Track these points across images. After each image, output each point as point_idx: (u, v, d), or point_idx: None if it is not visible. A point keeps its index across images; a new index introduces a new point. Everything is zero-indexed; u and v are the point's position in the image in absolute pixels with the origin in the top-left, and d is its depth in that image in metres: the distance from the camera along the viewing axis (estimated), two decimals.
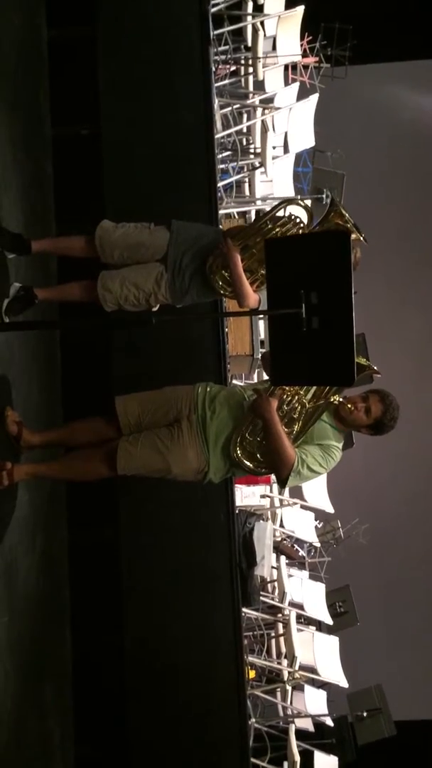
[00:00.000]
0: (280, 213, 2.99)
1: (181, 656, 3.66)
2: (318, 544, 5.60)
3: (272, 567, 4.71)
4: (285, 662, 4.71)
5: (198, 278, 3.08)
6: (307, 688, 4.83)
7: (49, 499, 3.50)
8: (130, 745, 3.64)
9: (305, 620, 5.12)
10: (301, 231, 2.94)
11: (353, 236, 2.78)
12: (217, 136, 4.24)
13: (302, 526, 5.27)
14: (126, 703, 3.64)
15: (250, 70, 5.16)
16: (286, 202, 3.04)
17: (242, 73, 5.30)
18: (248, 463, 2.75)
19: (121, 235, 3.10)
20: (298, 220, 2.95)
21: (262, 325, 4.55)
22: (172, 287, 3.08)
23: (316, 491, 5.19)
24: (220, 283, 3.05)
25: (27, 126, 3.62)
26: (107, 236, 3.10)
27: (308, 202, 3.11)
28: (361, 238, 2.82)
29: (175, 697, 3.65)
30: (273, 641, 4.96)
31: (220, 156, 4.64)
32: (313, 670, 4.76)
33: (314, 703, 4.80)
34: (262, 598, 4.45)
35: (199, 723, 3.65)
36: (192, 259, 3.06)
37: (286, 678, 4.64)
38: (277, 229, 2.95)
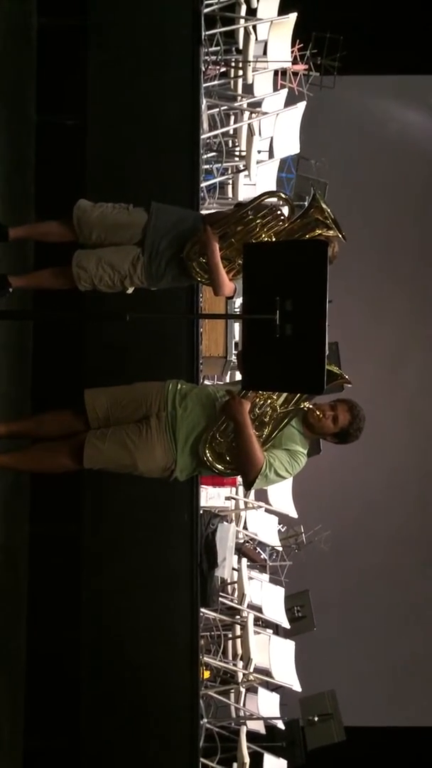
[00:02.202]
0: (263, 203, 2.99)
1: (136, 653, 3.66)
2: (280, 548, 5.62)
3: (233, 569, 4.72)
4: (240, 664, 4.72)
5: (175, 263, 3.06)
6: (261, 690, 4.86)
7: (12, 490, 3.47)
8: (81, 740, 3.62)
9: (263, 623, 5.15)
10: (281, 223, 2.94)
11: (331, 233, 2.80)
12: (202, 137, 4.24)
13: (265, 529, 5.29)
14: (79, 698, 3.63)
15: (240, 72, 5.17)
16: (269, 193, 3.04)
17: (232, 75, 5.31)
18: (217, 465, 2.76)
19: (99, 215, 3.08)
20: (279, 213, 2.96)
21: (237, 328, 4.56)
22: (148, 270, 3.06)
23: (281, 495, 5.22)
24: (197, 269, 3.04)
25: (11, 113, 3.59)
26: (85, 216, 3.08)
27: (289, 197, 3.11)
28: (340, 236, 2.84)
29: (128, 694, 3.65)
30: (230, 642, 4.98)
31: (204, 156, 4.64)
32: (267, 673, 4.79)
33: (267, 705, 4.83)
34: (221, 599, 4.46)
35: (151, 720, 3.65)
36: (170, 244, 3.04)
37: (240, 680, 4.66)
38: (258, 220, 2.95)
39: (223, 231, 2.96)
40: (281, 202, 2.99)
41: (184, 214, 3.17)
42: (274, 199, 3.00)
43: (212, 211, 4.82)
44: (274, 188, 5.30)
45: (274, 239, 2.93)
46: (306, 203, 2.96)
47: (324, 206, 2.82)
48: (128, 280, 3.09)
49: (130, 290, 3.17)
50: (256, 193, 5.20)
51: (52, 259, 3.28)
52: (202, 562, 3.83)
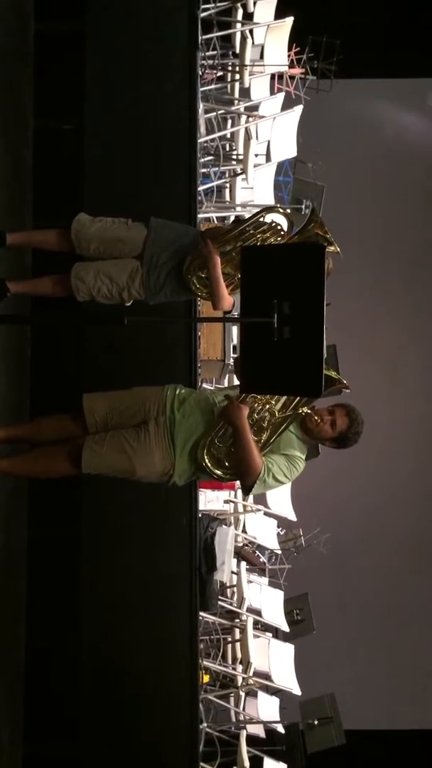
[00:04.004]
0: (262, 219, 3.01)
1: (136, 658, 3.65)
2: (279, 551, 5.62)
3: (232, 572, 4.72)
4: (240, 668, 4.72)
5: (173, 277, 3.08)
6: (261, 694, 4.85)
7: (11, 494, 3.47)
8: (80, 744, 3.61)
9: (262, 626, 5.14)
10: (280, 239, 2.96)
11: (332, 249, 2.82)
12: (200, 140, 4.25)
13: (264, 532, 5.29)
14: (78, 702, 3.62)
15: (237, 76, 5.18)
16: (268, 209, 3.06)
17: (229, 79, 5.32)
18: (215, 470, 2.75)
19: (98, 229, 3.09)
20: (278, 228, 2.97)
21: (234, 331, 4.57)
22: (147, 283, 3.08)
23: (280, 499, 5.21)
24: (197, 284, 3.06)
25: (9, 117, 3.59)
26: (84, 230, 3.09)
27: (287, 211, 3.13)
28: (338, 250, 2.85)
29: (127, 697, 3.64)
30: (229, 646, 4.97)
31: (202, 160, 4.65)
32: (267, 677, 4.78)
33: (267, 709, 4.82)
34: (220, 602, 4.46)
35: (150, 724, 3.64)
36: (169, 258, 3.06)
37: (239, 683, 4.65)
38: (258, 236, 2.97)
39: (222, 247, 2.98)
40: (281, 217, 3.01)
41: (183, 229, 3.19)
42: (273, 215, 3.02)
43: (209, 215, 4.84)
44: (271, 192, 5.31)
45: None
46: (303, 207, 2.97)
47: (323, 222, 2.84)
48: (126, 292, 3.11)
49: (129, 303, 3.19)
50: (254, 196, 5.24)
51: (50, 265, 3.28)
52: (201, 566, 3.83)
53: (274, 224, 2.98)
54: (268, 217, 3.01)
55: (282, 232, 2.97)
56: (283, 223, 3.00)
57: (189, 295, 3.19)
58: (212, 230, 3.18)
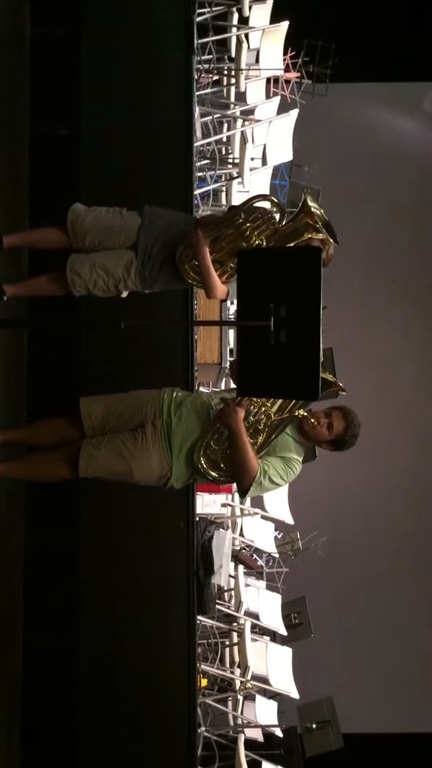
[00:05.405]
0: (255, 205, 3.00)
1: (133, 662, 3.64)
2: (276, 555, 5.62)
3: (230, 576, 4.71)
4: (238, 672, 4.71)
5: (168, 267, 3.08)
6: (259, 698, 4.84)
7: (8, 498, 3.46)
8: (78, 749, 3.60)
9: (260, 630, 5.13)
10: (272, 227, 2.95)
11: (320, 236, 2.82)
12: (196, 144, 4.26)
13: (262, 536, 5.28)
14: (75, 706, 3.61)
15: (233, 81, 5.20)
16: (260, 196, 3.06)
17: (224, 83, 5.34)
18: (211, 472, 2.76)
19: (93, 219, 3.10)
20: (269, 216, 2.97)
21: (231, 334, 4.57)
22: (142, 274, 3.08)
23: (277, 502, 5.21)
24: (189, 272, 3.05)
25: (5, 122, 3.60)
26: (79, 219, 3.10)
27: (279, 201, 3.12)
28: (329, 239, 2.85)
29: (125, 702, 3.63)
30: (227, 650, 4.96)
31: (198, 164, 4.66)
32: (265, 681, 4.78)
33: (265, 713, 4.81)
34: (218, 606, 4.45)
35: (148, 729, 3.63)
36: (162, 248, 3.06)
37: (237, 687, 4.64)
38: (249, 224, 2.96)
39: (214, 234, 2.97)
40: (272, 206, 3.01)
41: (176, 217, 3.18)
42: (265, 203, 3.02)
43: (206, 213, 4.85)
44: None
45: (265, 243, 2.94)
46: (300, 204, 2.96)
47: (314, 210, 2.84)
48: (122, 284, 3.11)
49: (125, 294, 3.18)
50: None
51: (46, 267, 3.29)
52: (199, 570, 3.82)
53: (265, 212, 2.97)
54: (260, 206, 3.01)
55: (273, 220, 2.96)
56: (275, 213, 3.00)
57: (184, 284, 3.19)
58: (206, 218, 3.17)
